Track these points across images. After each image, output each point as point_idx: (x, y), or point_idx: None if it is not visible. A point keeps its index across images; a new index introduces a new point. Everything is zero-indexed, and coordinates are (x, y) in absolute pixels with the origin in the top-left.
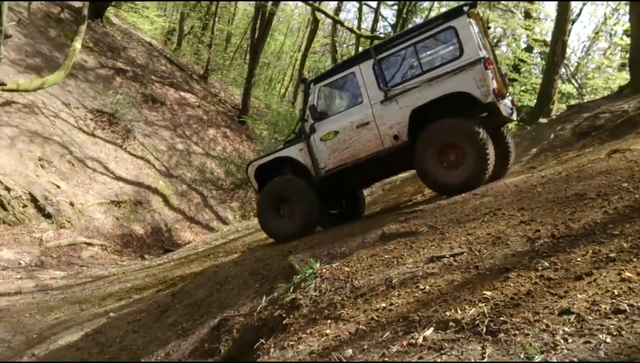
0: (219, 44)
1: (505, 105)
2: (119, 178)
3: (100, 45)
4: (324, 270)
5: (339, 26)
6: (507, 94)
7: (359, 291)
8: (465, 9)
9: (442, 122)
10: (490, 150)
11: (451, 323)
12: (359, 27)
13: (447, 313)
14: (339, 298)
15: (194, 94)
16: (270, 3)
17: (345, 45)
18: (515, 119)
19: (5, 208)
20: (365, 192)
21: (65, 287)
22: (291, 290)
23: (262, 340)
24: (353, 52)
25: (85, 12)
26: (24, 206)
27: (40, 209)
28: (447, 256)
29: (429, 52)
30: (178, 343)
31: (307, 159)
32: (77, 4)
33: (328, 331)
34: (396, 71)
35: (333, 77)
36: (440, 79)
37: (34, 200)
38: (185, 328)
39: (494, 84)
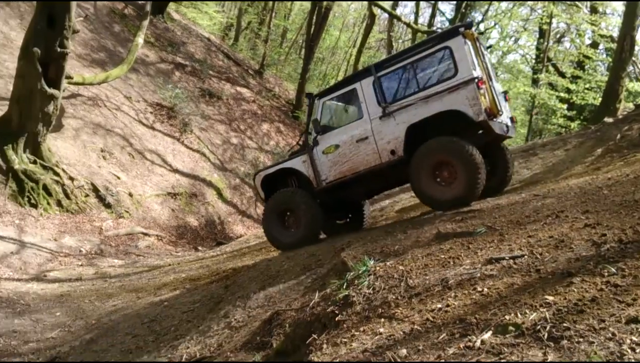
0: (275, 39)
1: (499, 122)
2: (175, 170)
3: (161, 40)
4: (377, 268)
5: (395, 21)
6: (501, 112)
7: (414, 290)
8: (461, 30)
9: (437, 140)
10: (482, 169)
11: (511, 328)
12: (415, 22)
13: (507, 317)
14: (393, 297)
15: (249, 89)
16: None
17: (401, 41)
18: (512, 135)
19: (69, 197)
20: None
21: (123, 275)
22: (344, 287)
23: (315, 336)
24: None
25: (148, 7)
26: (86, 195)
27: (101, 199)
28: (507, 258)
29: (425, 71)
30: (230, 335)
31: (310, 171)
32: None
33: (382, 330)
34: (395, 88)
35: (336, 93)
36: (435, 97)
37: (95, 190)
38: (237, 320)
39: (486, 103)
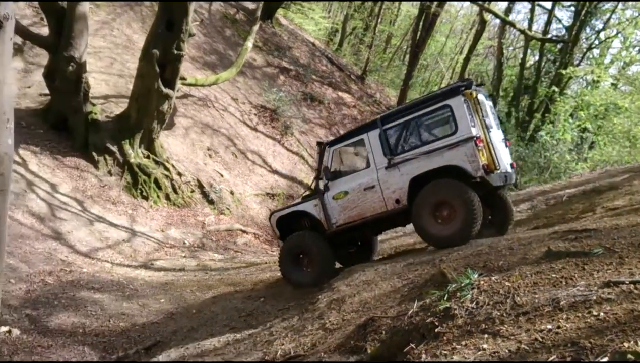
0: (379, 45)
1: (498, 174)
2: (274, 171)
3: (268, 44)
4: (482, 282)
5: (507, 28)
6: (499, 167)
7: (521, 308)
8: (461, 89)
9: (438, 182)
10: (478, 209)
11: (630, 356)
12: (529, 29)
13: (625, 345)
14: (498, 313)
15: (350, 94)
16: (435, 4)
17: (511, 48)
18: (512, 182)
19: (176, 192)
20: (525, 205)
21: (222, 269)
22: (445, 299)
23: (412, 345)
24: (520, 55)
25: (259, 13)
26: (192, 191)
27: (205, 195)
28: (627, 282)
29: (428, 126)
30: (324, 336)
31: (321, 214)
32: (252, 5)
33: (485, 346)
34: (399, 141)
35: (345, 142)
36: (436, 152)
37: (200, 186)
38: (331, 322)
39: (483, 161)
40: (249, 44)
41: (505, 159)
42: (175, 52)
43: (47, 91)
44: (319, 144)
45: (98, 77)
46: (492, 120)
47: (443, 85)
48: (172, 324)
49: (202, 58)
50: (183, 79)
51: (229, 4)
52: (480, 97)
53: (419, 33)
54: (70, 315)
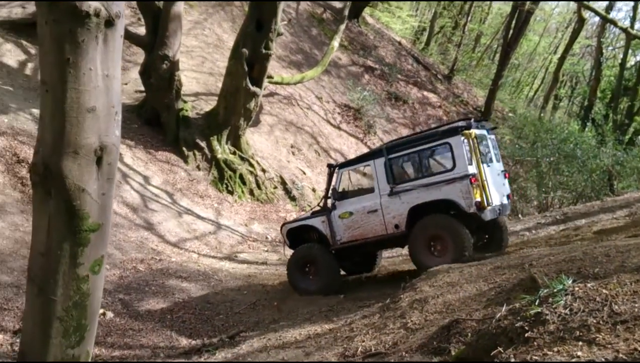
0: (468, 43)
1: (490, 210)
2: None
3: (354, 43)
4: (576, 289)
5: (607, 26)
6: (491, 204)
7: (620, 317)
8: (460, 130)
9: (432, 217)
10: (468, 243)
11: None
12: (632, 27)
13: None
14: (594, 320)
15: (436, 94)
16: (528, 2)
17: (611, 48)
18: (507, 213)
19: (260, 187)
20: (623, 211)
21: None
22: (536, 304)
23: (500, 349)
24: (621, 55)
25: (346, 12)
26: (275, 187)
27: (287, 191)
28: None
29: (429, 160)
30: (406, 335)
31: (327, 230)
32: (339, 5)
33: (579, 353)
34: (402, 170)
35: (354, 166)
36: (435, 186)
37: (283, 182)
38: (413, 321)
39: (477, 198)
40: (335, 43)
41: (501, 191)
42: (264, 51)
43: (142, 88)
44: (329, 166)
45: (189, 75)
46: (492, 153)
47: (535, 86)
48: (254, 315)
49: (288, 57)
50: (270, 77)
51: (317, 3)
52: (481, 132)
53: (510, 31)
54: (159, 302)
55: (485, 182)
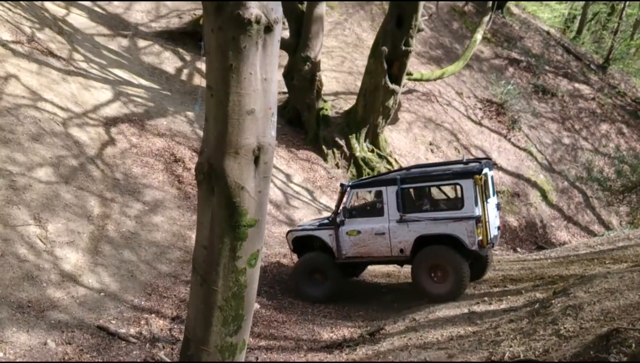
0: (626, 30)
1: (487, 247)
2: (499, 168)
3: (497, 35)
4: None
5: None
6: (492, 244)
7: None
8: (471, 174)
9: (437, 248)
10: (466, 275)
11: None
12: None
13: None
14: None
15: (588, 85)
16: None
17: None
18: (496, 244)
19: None
20: None
21: None
22: None
23: None
24: None
25: (490, 4)
26: None
27: None
28: None
29: (439, 195)
30: (558, 343)
31: (334, 244)
32: None
33: None
34: (413, 201)
35: (367, 188)
36: (443, 221)
37: None
38: (567, 329)
39: (479, 237)
40: (478, 35)
41: (495, 223)
42: (403, 48)
43: (285, 89)
44: (341, 185)
45: (329, 75)
46: (490, 189)
47: None
48: (393, 314)
49: (427, 53)
50: (409, 74)
51: None
52: (486, 172)
53: None
54: (301, 297)
55: (487, 223)
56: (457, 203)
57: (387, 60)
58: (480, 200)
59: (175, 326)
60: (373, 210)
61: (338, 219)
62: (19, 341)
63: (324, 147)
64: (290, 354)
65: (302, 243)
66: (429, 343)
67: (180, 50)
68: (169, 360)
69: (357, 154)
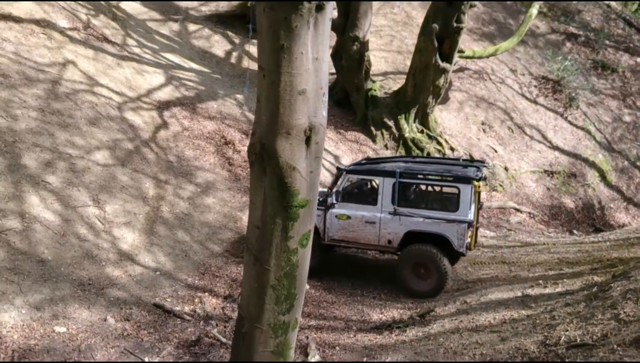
0: None
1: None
2: (555, 147)
3: (554, 10)
4: None
5: None
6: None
7: None
8: (471, 180)
9: (419, 246)
10: (449, 274)
11: None
12: None
13: None
14: None
15: None
16: None
17: None
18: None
19: None
20: None
21: (495, 247)
22: None
23: None
24: None
25: None
26: None
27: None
28: None
29: (436, 195)
30: (617, 327)
31: (321, 225)
32: None
33: None
34: (408, 196)
35: (362, 175)
36: (435, 220)
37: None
38: (627, 313)
39: (468, 240)
40: (534, 10)
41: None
42: (455, 24)
43: (333, 70)
44: (338, 168)
45: (378, 55)
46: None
47: None
48: (444, 296)
49: (480, 29)
50: (461, 52)
51: None
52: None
53: None
54: (349, 278)
55: (477, 228)
56: (451, 205)
57: (438, 37)
58: (473, 206)
59: (228, 305)
60: (366, 198)
61: (329, 201)
62: (81, 317)
63: (372, 128)
64: (340, 334)
65: None
66: (481, 326)
67: (230, 33)
68: (222, 338)
69: (407, 134)
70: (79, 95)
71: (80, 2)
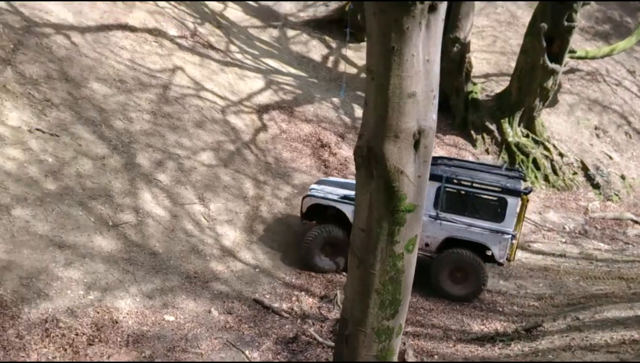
0: None
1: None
2: None
3: None
4: None
5: None
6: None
7: None
8: (521, 193)
9: (460, 251)
10: (486, 281)
11: None
12: None
13: None
14: None
15: None
16: None
17: None
18: None
19: (556, 173)
20: None
21: (611, 261)
22: None
23: None
24: None
25: None
26: (574, 173)
27: (589, 178)
28: None
29: (481, 204)
30: None
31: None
32: None
33: None
34: (452, 202)
35: None
36: (478, 229)
37: (584, 168)
38: None
39: (509, 252)
40: None
41: None
42: (566, 23)
43: None
44: None
45: (479, 56)
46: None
47: None
48: (552, 310)
49: (593, 28)
50: (572, 52)
51: None
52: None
53: None
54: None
55: (518, 240)
56: (497, 216)
57: (547, 37)
58: (520, 219)
59: (323, 305)
60: None
61: None
62: (188, 308)
63: (472, 132)
64: (438, 343)
65: (316, 211)
66: (596, 345)
67: (327, 37)
68: (319, 337)
69: (510, 139)
70: (186, 99)
71: (187, 11)
